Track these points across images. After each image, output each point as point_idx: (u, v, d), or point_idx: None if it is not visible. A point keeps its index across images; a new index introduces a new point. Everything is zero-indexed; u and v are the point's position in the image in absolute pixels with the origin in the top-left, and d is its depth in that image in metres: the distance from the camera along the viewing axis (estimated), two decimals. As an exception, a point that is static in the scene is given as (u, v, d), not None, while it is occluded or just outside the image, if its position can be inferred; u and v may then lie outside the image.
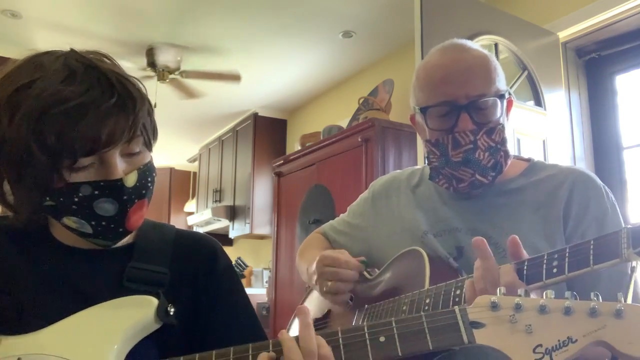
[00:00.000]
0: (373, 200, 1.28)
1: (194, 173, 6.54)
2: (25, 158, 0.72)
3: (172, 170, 6.65)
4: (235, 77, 4.04)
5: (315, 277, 1.14)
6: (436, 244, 1.08)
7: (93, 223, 0.77)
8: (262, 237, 5.01)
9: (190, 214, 6.01)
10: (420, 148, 2.22)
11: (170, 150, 6.15)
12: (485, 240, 0.82)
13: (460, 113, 1.01)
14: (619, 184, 2.42)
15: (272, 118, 5.02)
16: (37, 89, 0.73)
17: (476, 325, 0.64)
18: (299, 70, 4.08)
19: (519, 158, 1.16)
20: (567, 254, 0.76)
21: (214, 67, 3.95)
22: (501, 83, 1.06)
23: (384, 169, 2.89)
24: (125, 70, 0.82)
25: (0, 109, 0.73)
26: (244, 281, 5.08)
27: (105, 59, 0.81)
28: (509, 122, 1.09)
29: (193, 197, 6.34)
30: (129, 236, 0.88)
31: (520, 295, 0.64)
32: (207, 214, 5.27)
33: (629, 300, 0.63)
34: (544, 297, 0.63)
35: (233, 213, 5.10)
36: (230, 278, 0.94)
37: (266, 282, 4.78)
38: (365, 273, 1.22)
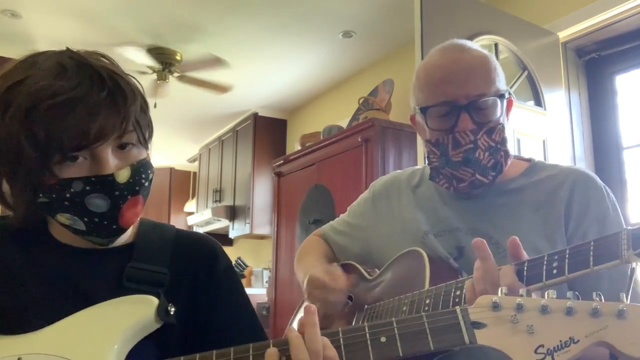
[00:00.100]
0: (373, 201, 1.28)
1: (194, 173, 6.54)
2: (17, 154, 0.73)
3: (172, 170, 6.64)
4: (223, 89, 4.11)
5: (305, 296, 1.16)
6: (436, 244, 1.08)
7: (86, 219, 0.77)
8: (262, 237, 5.00)
9: (190, 214, 6.01)
10: (420, 148, 2.22)
11: (170, 150, 6.15)
12: (484, 241, 0.82)
13: (460, 113, 1.01)
14: (619, 184, 2.41)
15: (272, 118, 5.02)
16: (27, 85, 0.73)
17: (477, 325, 0.64)
18: (299, 70, 4.08)
19: (519, 158, 1.16)
20: (567, 255, 0.76)
21: (213, 67, 3.95)
22: (501, 83, 1.06)
23: (384, 169, 2.89)
24: (123, 70, 0.82)
25: None
26: (244, 281, 5.08)
27: (102, 58, 0.81)
28: (509, 122, 1.09)
29: (193, 197, 6.34)
30: (129, 236, 0.88)
31: (521, 296, 0.64)
32: (207, 214, 5.27)
33: (630, 302, 0.62)
34: (546, 297, 0.63)
35: (233, 213, 5.09)
36: (230, 278, 0.93)
37: (266, 282, 4.78)
38: (365, 273, 1.22)
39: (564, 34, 2.54)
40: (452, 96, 1.02)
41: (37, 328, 0.74)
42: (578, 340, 0.59)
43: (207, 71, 4.01)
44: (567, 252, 0.77)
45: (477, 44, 1.12)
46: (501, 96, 1.04)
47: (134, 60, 3.77)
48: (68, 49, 0.80)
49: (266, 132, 4.96)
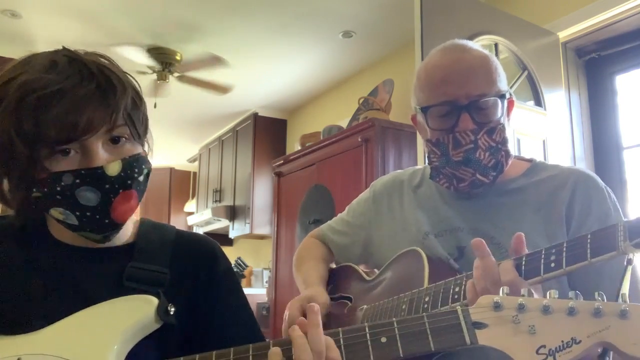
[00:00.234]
0: (374, 200, 1.28)
1: (194, 173, 6.53)
2: (9, 148, 0.73)
3: (172, 170, 6.64)
4: (224, 90, 4.11)
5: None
6: (437, 244, 1.07)
7: (78, 214, 0.76)
8: (262, 237, 5.00)
9: (190, 214, 6.00)
10: (420, 148, 2.22)
11: (170, 150, 6.14)
12: (483, 240, 0.82)
13: (461, 113, 1.01)
14: (619, 184, 2.41)
15: (272, 118, 5.02)
16: (19, 80, 0.74)
17: (479, 325, 0.64)
18: (299, 70, 4.08)
19: (520, 158, 1.16)
20: (564, 249, 0.76)
21: (213, 67, 3.95)
22: (502, 83, 1.06)
23: (384, 169, 2.89)
24: (121, 68, 0.82)
25: None
26: (244, 281, 5.08)
27: (101, 59, 0.81)
28: (510, 123, 1.09)
29: (193, 197, 6.33)
30: (129, 236, 0.88)
31: (523, 296, 0.64)
32: (207, 214, 5.26)
33: (625, 291, 0.62)
34: (548, 297, 0.63)
35: (233, 213, 5.09)
36: (229, 279, 0.93)
37: (266, 282, 4.78)
38: (363, 274, 1.21)
39: (564, 34, 2.54)
40: (453, 96, 1.01)
41: (36, 328, 0.74)
42: (580, 341, 0.59)
43: (207, 71, 4.01)
44: (565, 245, 0.77)
45: (478, 44, 1.12)
46: (502, 96, 1.04)
47: (134, 60, 3.77)
48: (64, 48, 0.81)
49: (266, 132, 4.95)
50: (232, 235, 5.13)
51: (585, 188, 1.02)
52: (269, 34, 3.53)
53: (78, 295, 0.79)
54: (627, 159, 2.43)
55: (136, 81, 0.84)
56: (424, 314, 0.68)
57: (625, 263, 0.69)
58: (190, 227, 5.71)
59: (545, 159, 2.37)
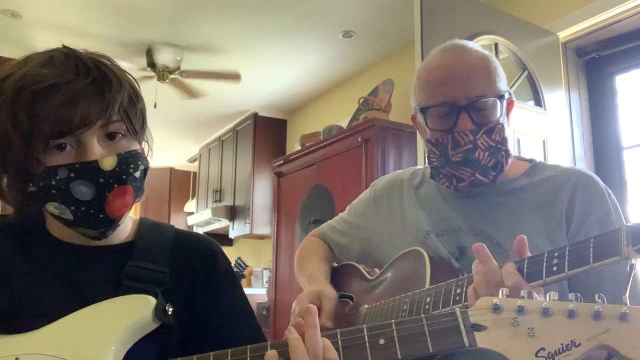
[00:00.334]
0: (374, 200, 1.28)
1: (194, 173, 6.53)
2: (5, 142, 0.74)
3: (172, 170, 6.64)
4: (235, 77, 4.05)
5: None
6: (438, 244, 1.07)
7: (73, 208, 0.76)
8: (262, 237, 5.00)
9: (190, 214, 6.00)
10: (421, 148, 2.22)
11: (170, 150, 6.14)
12: (484, 245, 0.82)
13: (460, 114, 1.01)
14: (619, 184, 2.41)
15: (272, 118, 5.01)
16: (16, 75, 0.75)
17: (477, 328, 0.64)
18: (299, 70, 4.08)
19: (520, 159, 1.16)
20: (567, 252, 0.76)
21: (213, 67, 3.95)
22: (502, 83, 1.05)
23: (384, 169, 2.88)
24: (120, 67, 0.82)
25: None
26: (244, 281, 5.08)
27: (102, 59, 0.81)
28: (510, 123, 1.09)
29: (193, 197, 6.33)
30: (127, 235, 0.88)
31: (523, 297, 0.63)
32: (207, 214, 5.26)
33: (629, 299, 0.62)
34: (547, 299, 0.63)
35: (233, 213, 5.09)
36: (229, 279, 0.93)
37: (266, 282, 4.78)
38: (365, 273, 1.21)
39: (564, 34, 2.54)
40: (452, 97, 1.01)
41: (34, 327, 0.74)
42: (580, 344, 0.58)
43: (207, 71, 4.01)
44: (567, 249, 0.77)
45: (478, 44, 1.11)
46: (501, 97, 1.04)
47: (134, 61, 3.77)
48: (64, 46, 0.81)
49: (266, 132, 4.95)
50: (232, 235, 5.13)
51: (586, 188, 1.02)
52: (269, 34, 3.52)
53: (76, 293, 0.79)
54: (627, 159, 2.43)
55: (135, 79, 0.83)
56: (423, 315, 0.67)
57: (628, 269, 0.69)
58: (190, 227, 5.71)
59: (545, 159, 2.37)
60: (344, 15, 3.26)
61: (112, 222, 0.79)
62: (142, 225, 0.90)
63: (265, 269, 4.96)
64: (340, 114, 4.07)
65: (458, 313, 0.65)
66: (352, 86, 4.12)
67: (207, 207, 5.53)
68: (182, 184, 6.67)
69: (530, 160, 1.14)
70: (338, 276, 1.27)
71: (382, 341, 0.67)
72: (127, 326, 0.74)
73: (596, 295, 0.62)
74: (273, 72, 4.13)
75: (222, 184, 5.39)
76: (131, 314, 0.75)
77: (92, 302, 0.76)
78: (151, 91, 3.99)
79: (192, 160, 6.51)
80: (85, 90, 0.75)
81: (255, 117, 4.93)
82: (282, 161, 3.86)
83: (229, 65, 3.94)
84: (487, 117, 1.02)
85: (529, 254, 0.82)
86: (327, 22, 3.35)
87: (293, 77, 4.22)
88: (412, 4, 2.18)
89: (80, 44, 0.82)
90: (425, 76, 1.07)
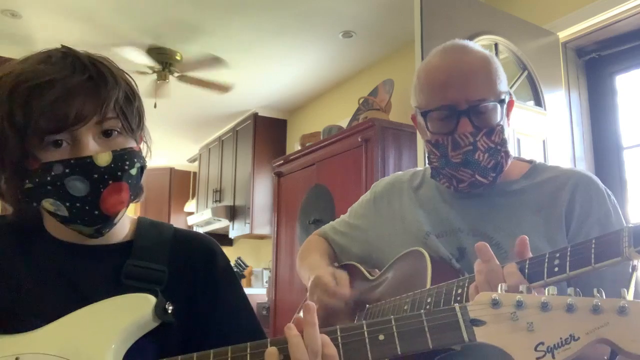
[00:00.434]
0: (375, 202, 1.28)
1: (194, 173, 6.53)
2: (1, 138, 0.74)
3: (172, 170, 6.64)
4: (224, 89, 4.13)
5: (308, 295, 1.15)
6: (438, 244, 1.07)
7: (68, 204, 0.76)
8: (262, 237, 5.00)
9: (190, 214, 6.00)
10: (421, 148, 2.22)
11: (170, 150, 6.14)
12: (487, 244, 0.82)
13: (461, 118, 1.01)
14: (619, 184, 2.41)
15: (272, 118, 5.01)
16: (14, 73, 0.75)
17: (477, 323, 0.64)
18: (299, 70, 4.08)
19: (520, 160, 1.16)
20: (568, 253, 0.76)
21: (213, 67, 3.95)
22: (502, 84, 1.05)
23: (384, 169, 2.88)
24: (118, 67, 0.82)
25: None
26: (243, 281, 5.08)
27: (101, 59, 0.81)
28: (510, 123, 1.09)
29: (193, 197, 6.33)
30: (126, 234, 0.88)
31: (521, 292, 0.64)
32: (207, 214, 5.26)
33: (630, 299, 0.62)
34: (546, 293, 0.63)
35: (233, 213, 5.09)
36: (228, 277, 0.93)
37: (266, 282, 4.78)
38: (366, 273, 1.21)
39: (564, 34, 2.54)
40: (453, 100, 1.01)
41: (34, 327, 0.74)
42: (578, 338, 0.58)
43: (207, 71, 4.01)
44: (569, 249, 0.77)
45: (479, 45, 1.11)
46: (501, 101, 1.03)
47: (134, 61, 3.77)
48: (63, 46, 0.81)
49: (266, 132, 4.95)
50: (232, 235, 5.13)
51: (586, 190, 1.02)
52: (269, 34, 3.53)
53: (75, 293, 0.79)
54: (627, 159, 2.43)
55: (132, 79, 0.84)
56: (422, 311, 0.68)
57: (630, 270, 0.69)
58: (190, 227, 5.70)
59: (545, 159, 2.37)
60: (344, 15, 3.26)
61: (108, 219, 0.79)
62: (141, 225, 0.90)
63: (265, 269, 4.96)
64: (340, 114, 4.07)
65: (457, 308, 0.65)
66: (352, 86, 4.13)
67: (207, 207, 5.53)
68: (182, 184, 6.67)
69: (530, 161, 1.14)
70: None
71: (381, 337, 0.67)
72: (127, 325, 0.74)
73: (595, 290, 0.62)
74: (273, 72, 4.13)
75: (222, 184, 5.39)
76: (131, 312, 0.76)
77: (91, 301, 0.76)
78: (151, 91, 3.99)
79: (192, 160, 6.51)
80: (81, 86, 0.75)
81: (255, 117, 4.93)
82: (282, 161, 3.86)
83: (228, 65, 3.94)
84: (488, 120, 1.02)
85: (530, 255, 0.82)
86: (327, 22, 3.36)
87: (293, 77, 4.23)
88: (412, 4, 2.18)
89: (80, 44, 0.83)
90: (426, 77, 1.07)
